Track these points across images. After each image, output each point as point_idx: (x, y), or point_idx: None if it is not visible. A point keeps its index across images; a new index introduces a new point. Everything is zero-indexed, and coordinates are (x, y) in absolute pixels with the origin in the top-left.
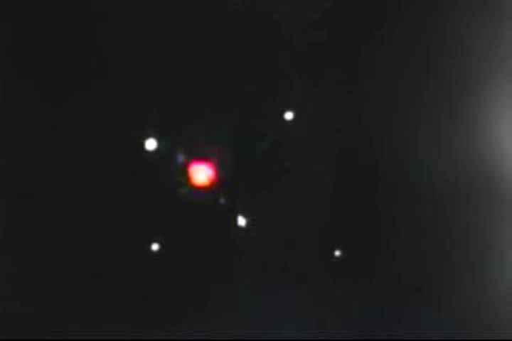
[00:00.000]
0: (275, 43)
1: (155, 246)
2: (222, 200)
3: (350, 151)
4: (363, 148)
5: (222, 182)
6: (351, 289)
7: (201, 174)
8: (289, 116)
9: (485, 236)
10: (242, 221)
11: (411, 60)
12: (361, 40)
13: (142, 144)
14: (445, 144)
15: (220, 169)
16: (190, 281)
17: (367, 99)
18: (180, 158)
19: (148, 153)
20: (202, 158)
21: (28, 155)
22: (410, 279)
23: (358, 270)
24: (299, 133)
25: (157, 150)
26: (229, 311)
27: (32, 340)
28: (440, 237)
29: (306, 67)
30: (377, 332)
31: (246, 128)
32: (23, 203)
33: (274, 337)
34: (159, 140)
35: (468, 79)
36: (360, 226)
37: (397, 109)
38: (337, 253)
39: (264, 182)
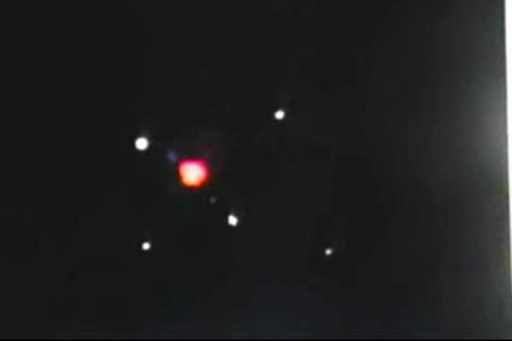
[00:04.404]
0: (271, 42)
1: (146, 246)
2: (213, 200)
3: (347, 150)
4: (361, 147)
5: (214, 182)
6: (348, 289)
7: (192, 173)
8: (279, 115)
9: (485, 236)
10: (233, 220)
11: (410, 59)
12: (359, 40)
13: (133, 143)
14: (445, 143)
15: (212, 168)
16: (180, 281)
17: (364, 98)
18: (171, 157)
19: (138, 152)
20: (193, 157)
21: (19, 152)
22: (409, 279)
23: (354, 269)
24: (294, 132)
25: (148, 150)
26: (221, 312)
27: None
28: (439, 237)
29: (302, 67)
30: (375, 332)
31: (239, 127)
32: (13, 199)
33: (269, 336)
34: (150, 139)
35: (469, 79)
36: (357, 226)
37: (397, 108)
38: (328, 251)
39: (256, 181)
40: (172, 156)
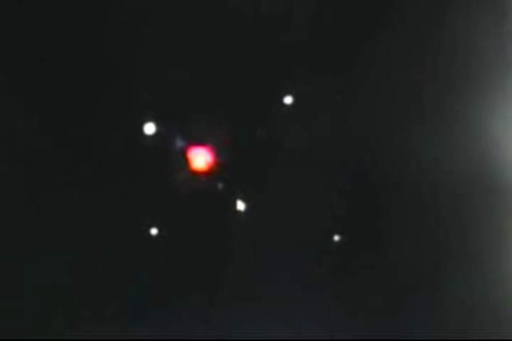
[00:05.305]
0: (275, 38)
1: (154, 231)
2: (220, 185)
3: (349, 145)
4: (363, 145)
5: (221, 167)
6: (349, 287)
7: (200, 159)
8: (288, 100)
9: (484, 236)
10: (240, 206)
11: (412, 59)
12: (361, 39)
13: (141, 128)
14: (446, 144)
15: (219, 154)
16: (187, 267)
17: (367, 97)
18: (179, 142)
19: (147, 137)
20: (201, 142)
21: (28, 142)
22: (408, 279)
23: (356, 268)
24: (298, 121)
25: (156, 135)
26: (226, 299)
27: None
28: (439, 237)
29: (306, 61)
30: (374, 331)
31: (245, 114)
32: (21, 190)
33: (269, 330)
34: (158, 124)
35: (470, 79)
36: (358, 222)
37: (398, 108)
38: (336, 238)
39: (262, 168)
40: (180, 142)
